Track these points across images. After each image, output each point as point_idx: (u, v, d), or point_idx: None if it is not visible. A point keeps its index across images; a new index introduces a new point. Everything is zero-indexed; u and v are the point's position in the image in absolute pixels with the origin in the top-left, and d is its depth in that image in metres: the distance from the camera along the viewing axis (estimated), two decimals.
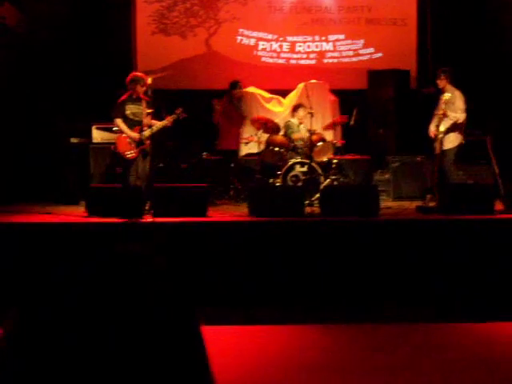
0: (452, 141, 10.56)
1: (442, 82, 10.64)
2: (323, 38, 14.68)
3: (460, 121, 10.49)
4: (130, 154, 9.93)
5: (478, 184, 10.83)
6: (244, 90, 13.00)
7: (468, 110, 10.53)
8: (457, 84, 10.62)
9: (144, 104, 9.98)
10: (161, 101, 10.71)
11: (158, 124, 10.06)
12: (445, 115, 10.37)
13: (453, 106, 10.43)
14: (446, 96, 10.34)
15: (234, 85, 12.20)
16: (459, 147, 10.65)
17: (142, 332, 0.90)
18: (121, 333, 0.90)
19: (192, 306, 0.99)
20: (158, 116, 10.25)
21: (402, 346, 6.39)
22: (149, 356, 0.90)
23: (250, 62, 14.53)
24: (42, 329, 0.90)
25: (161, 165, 11.84)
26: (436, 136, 10.46)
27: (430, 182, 11.34)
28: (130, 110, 10.01)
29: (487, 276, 8.38)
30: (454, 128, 10.50)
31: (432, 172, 10.83)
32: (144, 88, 10.02)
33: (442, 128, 10.43)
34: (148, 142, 9.98)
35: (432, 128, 10.56)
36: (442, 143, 10.47)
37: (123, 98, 10.07)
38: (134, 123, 9.98)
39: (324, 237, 8.61)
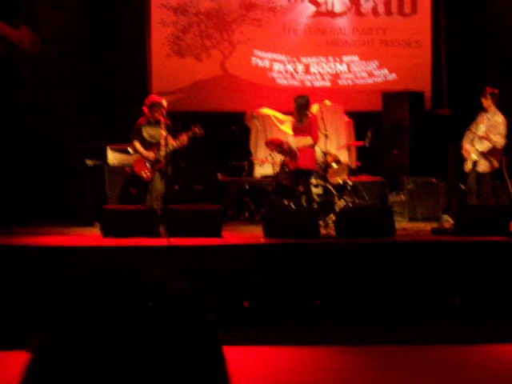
0: (488, 165, 10.44)
1: (486, 102, 10.50)
2: (337, 59, 14.70)
3: (498, 146, 10.38)
4: (146, 174, 10.02)
5: (494, 205, 10.75)
6: (258, 110, 13.00)
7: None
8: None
9: (162, 126, 10.06)
10: (176, 123, 10.75)
11: (174, 143, 10.13)
12: (487, 137, 10.27)
13: (494, 129, 10.33)
14: (490, 117, 10.27)
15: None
16: (494, 171, 10.55)
17: (164, 353, 0.90)
18: (142, 354, 0.89)
19: (214, 327, 0.98)
20: (174, 138, 10.31)
21: (419, 367, 6.34)
22: (171, 377, 0.90)
23: (265, 84, 14.56)
24: (66, 353, 0.89)
25: (176, 187, 11.85)
26: (469, 154, 10.36)
27: (446, 202, 11.28)
28: (148, 132, 10.13)
29: (504, 297, 8.32)
30: (491, 152, 10.37)
31: (448, 191, 10.75)
32: (160, 112, 10.10)
33: (479, 148, 10.32)
34: (164, 160, 10.03)
35: (466, 146, 10.44)
36: (475, 164, 10.38)
37: (141, 120, 10.18)
38: (151, 145, 10.11)
39: (339, 258, 8.58)
